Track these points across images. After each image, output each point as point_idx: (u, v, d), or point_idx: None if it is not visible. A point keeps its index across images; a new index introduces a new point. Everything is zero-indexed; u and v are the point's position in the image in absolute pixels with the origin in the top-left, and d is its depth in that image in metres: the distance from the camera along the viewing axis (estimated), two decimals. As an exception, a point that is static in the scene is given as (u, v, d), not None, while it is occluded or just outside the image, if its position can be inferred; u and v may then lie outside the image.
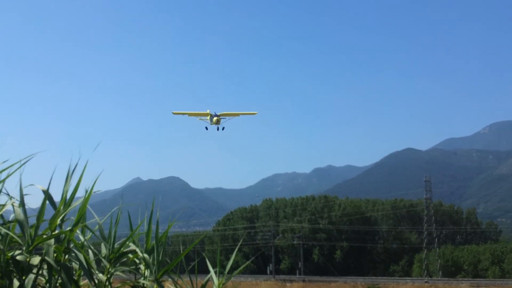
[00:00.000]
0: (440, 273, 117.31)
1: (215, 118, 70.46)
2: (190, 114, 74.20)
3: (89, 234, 7.49)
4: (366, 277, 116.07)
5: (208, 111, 72.72)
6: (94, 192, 7.17)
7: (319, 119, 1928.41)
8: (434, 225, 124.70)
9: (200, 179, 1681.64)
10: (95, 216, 7.44)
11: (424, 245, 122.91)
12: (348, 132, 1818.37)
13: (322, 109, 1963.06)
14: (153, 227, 7.91)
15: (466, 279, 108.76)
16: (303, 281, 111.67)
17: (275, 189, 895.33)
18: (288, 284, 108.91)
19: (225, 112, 72.39)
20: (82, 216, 6.99)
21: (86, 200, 7.02)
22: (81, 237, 7.25)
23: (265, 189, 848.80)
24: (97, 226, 7.41)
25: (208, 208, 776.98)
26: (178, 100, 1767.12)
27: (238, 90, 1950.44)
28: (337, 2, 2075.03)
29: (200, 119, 73.70)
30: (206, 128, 72.87)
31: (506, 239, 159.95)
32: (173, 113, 72.82)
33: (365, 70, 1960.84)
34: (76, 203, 6.96)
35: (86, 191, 7.09)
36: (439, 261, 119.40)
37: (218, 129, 71.86)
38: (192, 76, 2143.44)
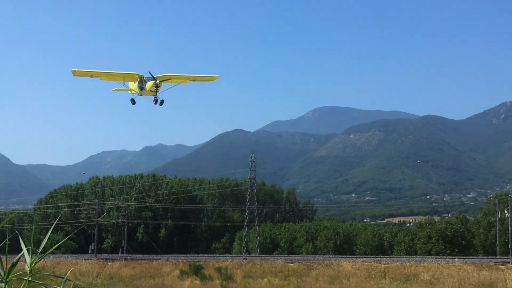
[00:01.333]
0: (258, 250, 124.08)
1: (150, 83, 45.27)
2: (103, 77, 46.85)
3: None
4: (188, 255, 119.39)
5: (135, 73, 47.05)
6: None
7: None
8: (256, 204, 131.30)
9: (23, 154, 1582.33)
10: None
11: (245, 223, 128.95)
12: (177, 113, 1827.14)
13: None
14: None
15: (281, 255, 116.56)
16: (125, 259, 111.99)
17: (104, 166, 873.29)
18: (109, 263, 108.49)
19: (167, 74, 46.60)
20: None
21: None
22: None
23: (93, 166, 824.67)
24: None
25: (30, 185, 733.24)
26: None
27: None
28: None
29: (121, 88, 49.59)
30: (133, 102, 48.57)
31: (321, 218, 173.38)
32: (73, 72, 44.30)
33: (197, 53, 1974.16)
34: None
35: None
36: (258, 238, 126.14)
37: (156, 101, 46.29)
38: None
